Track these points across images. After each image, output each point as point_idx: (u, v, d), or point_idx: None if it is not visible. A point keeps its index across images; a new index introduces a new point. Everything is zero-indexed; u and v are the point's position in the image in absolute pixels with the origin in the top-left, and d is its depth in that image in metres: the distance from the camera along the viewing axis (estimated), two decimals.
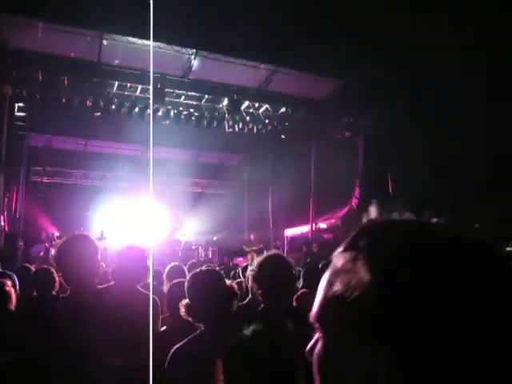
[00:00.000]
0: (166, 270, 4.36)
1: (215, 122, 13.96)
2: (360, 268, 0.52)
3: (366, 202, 14.24)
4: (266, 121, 14.61)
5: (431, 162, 11.92)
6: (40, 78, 11.93)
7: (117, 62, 12.50)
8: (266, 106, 14.56)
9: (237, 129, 14.37)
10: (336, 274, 0.56)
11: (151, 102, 13.17)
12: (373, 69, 11.96)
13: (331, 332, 0.55)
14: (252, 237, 15.15)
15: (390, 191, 14.03)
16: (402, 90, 12.10)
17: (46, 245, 14.16)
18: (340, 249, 0.59)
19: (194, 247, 16.35)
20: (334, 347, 0.54)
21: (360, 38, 11.94)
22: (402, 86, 12.04)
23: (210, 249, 16.54)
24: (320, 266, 4.86)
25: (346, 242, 0.59)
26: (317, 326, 0.58)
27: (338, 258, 0.58)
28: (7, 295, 2.85)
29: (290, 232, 16.81)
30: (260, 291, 2.52)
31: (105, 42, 11.50)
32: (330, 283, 0.56)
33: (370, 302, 0.49)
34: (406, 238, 0.53)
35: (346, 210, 14.74)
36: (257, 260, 2.67)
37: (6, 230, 12.52)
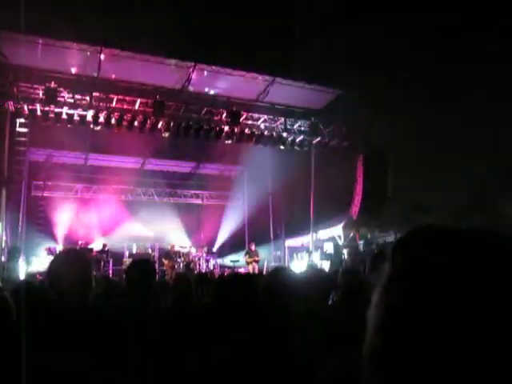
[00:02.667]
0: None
1: (214, 134, 14.03)
2: None
3: (365, 211, 14.27)
4: (265, 132, 14.66)
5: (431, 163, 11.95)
6: (41, 93, 12.06)
7: (114, 76, 12.65)
8: (265, 116, 14.64)
9: (236, 140, 14.43)
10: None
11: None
12: (372, 77, 12.06)
13: None
14: (253, 247, 15.12)
15: (389, 194, 14.04)
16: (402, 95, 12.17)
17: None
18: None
19: (196, 258, 16.33)
20: None
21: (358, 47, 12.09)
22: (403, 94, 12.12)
23: (212, 260, 16.51)
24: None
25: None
26: None
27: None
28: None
29: (290, 242, 16.80)
30: None
31: (102, 57, 11.66)
32: None
33: None
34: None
35: (345, 219, 14.73)
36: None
37: (8, 243, 12.58)
